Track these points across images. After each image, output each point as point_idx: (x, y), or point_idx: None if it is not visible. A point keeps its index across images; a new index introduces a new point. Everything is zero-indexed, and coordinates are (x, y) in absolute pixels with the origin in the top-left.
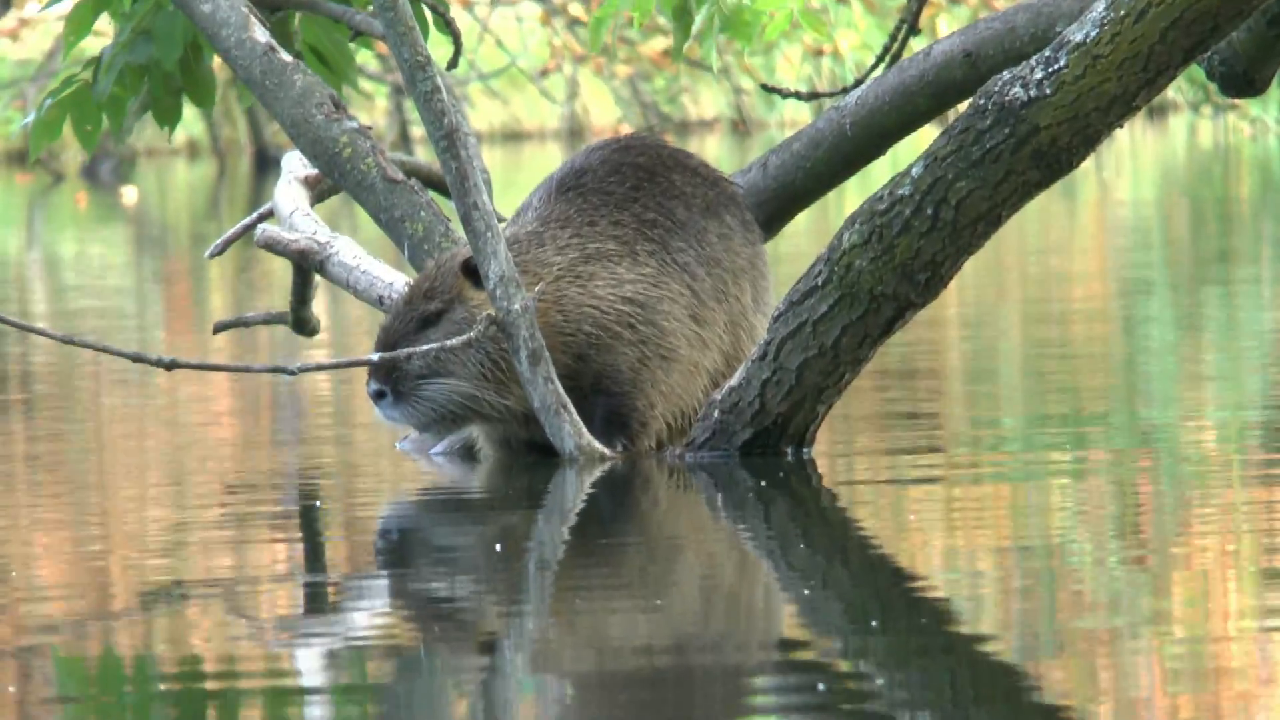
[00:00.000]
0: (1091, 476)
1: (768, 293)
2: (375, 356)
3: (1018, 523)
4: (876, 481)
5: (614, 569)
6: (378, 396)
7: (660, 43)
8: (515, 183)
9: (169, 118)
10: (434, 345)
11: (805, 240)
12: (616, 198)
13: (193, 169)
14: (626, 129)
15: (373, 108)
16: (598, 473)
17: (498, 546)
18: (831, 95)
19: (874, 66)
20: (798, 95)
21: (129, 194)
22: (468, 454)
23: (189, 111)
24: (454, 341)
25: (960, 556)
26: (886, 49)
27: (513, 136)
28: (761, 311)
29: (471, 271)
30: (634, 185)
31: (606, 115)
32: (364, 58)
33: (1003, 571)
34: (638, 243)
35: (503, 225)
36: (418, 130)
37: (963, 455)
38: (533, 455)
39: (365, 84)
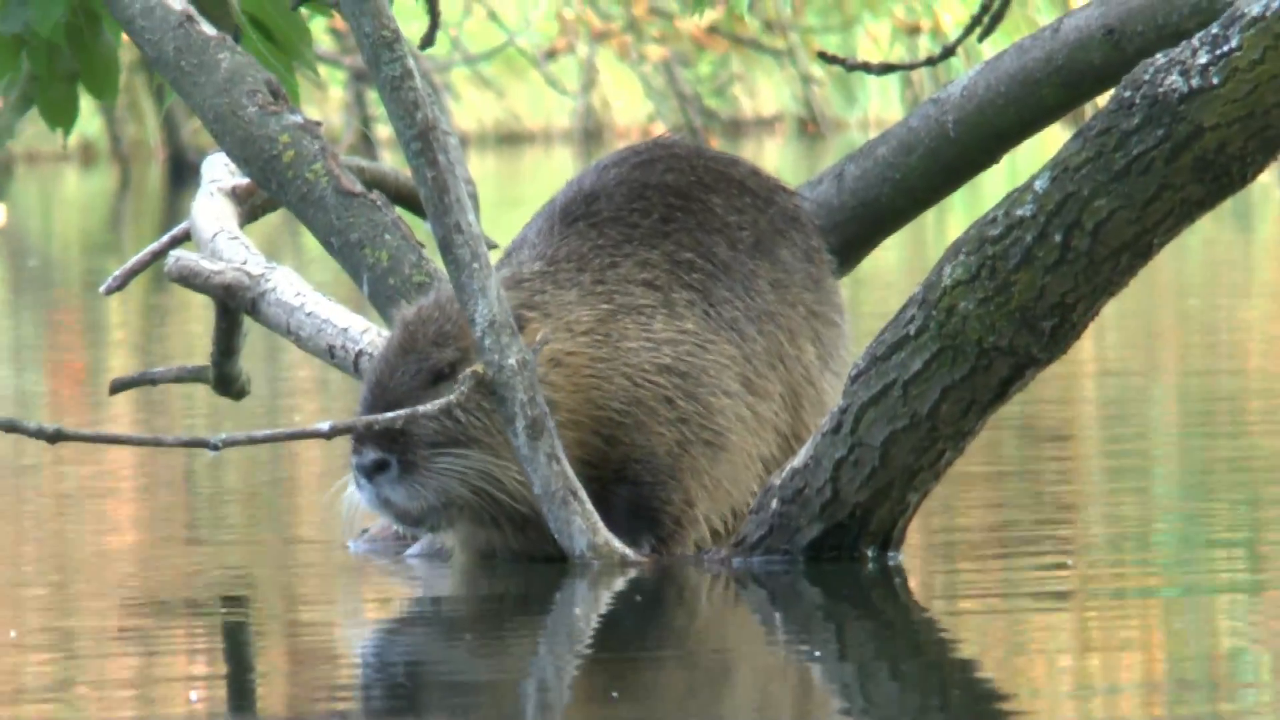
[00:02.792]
0: (1271, 593)
1: (840, 345)
2: (326, 426)
3: (1171, 653)
4: (986, 596)
5: (637, 711)
6: (377, 469)
7: (705, 16)
8: (513, 198)
9: (60, 114)
10: (396, 414)
11: (894, 275)
12: (642, 231)
13: (87, 178)
14: (659, 129)
15: (325, 99)
16: (618, 582)
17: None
18: (912, 68)
19: (967, 33)
20: (865, 67)
21: None
22: (450, 557)
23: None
24: (429, 406)
25: (1095, 697)
26: (985, 8)
27: (510, 138)
28: (832, 370)
29: None
30: (663, 215)
31: (633, 111)
32: (314, 32)
33: (1147, 715)
34: (673, 290)
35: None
36: (384, 129)
37: (1101, 565)
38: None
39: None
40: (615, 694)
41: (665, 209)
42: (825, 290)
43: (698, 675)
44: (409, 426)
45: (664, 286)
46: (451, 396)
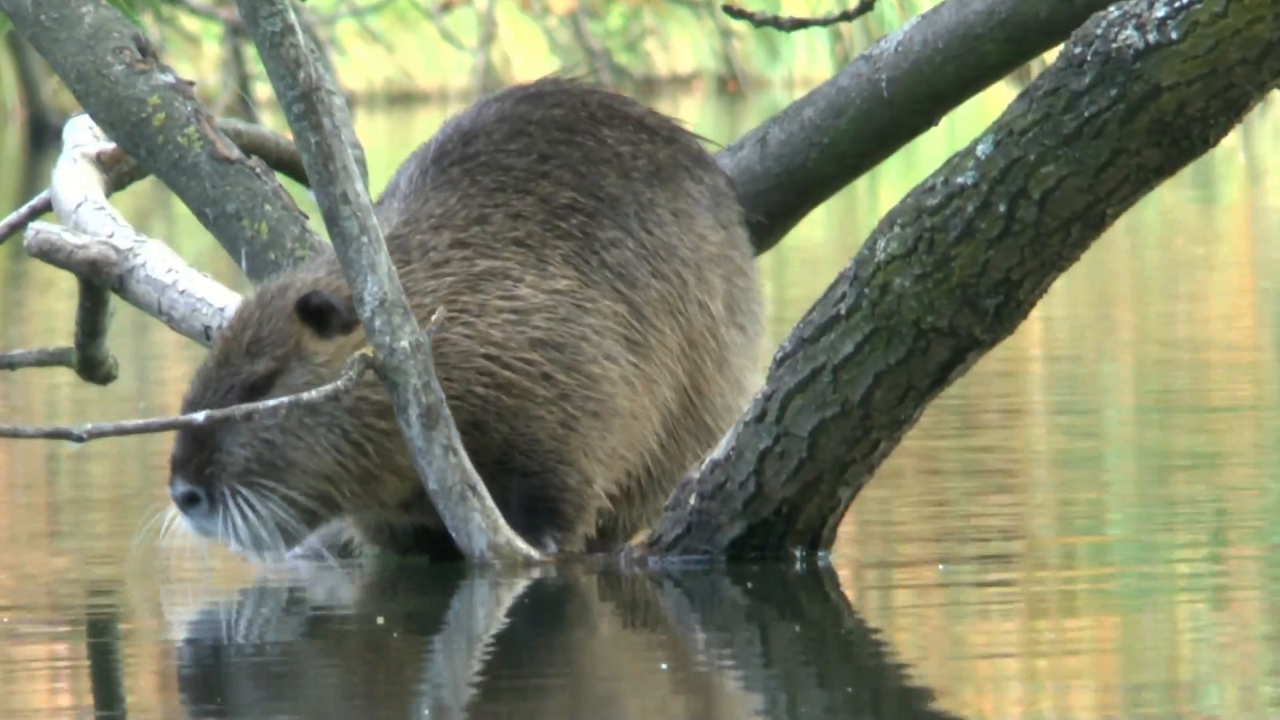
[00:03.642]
0: (1232, 591)
1: (752, 301)
2: (202, 416)
3: (1127, 659)
4: (923, 605)
5: None
6: (188, 502)
7: None
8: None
9: None
10: (278, 401)
11: (823, 249)
12: (517, 174)
13: None
14: None
15: (199, 56)
16: (521, 585)
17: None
18: (828, 23)
19: None
20: (775, 22)
21: None
22: (342, 552)
23: None
24: (315, 394)
25: (1043, 708)
26: None
27: (402, 98)
28: (737, 324)
29: (313, 312)
30: (544, 152)
31: (536, 68)
32: None
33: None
34: (546, 245)
35: None
36: (264, 89)
37: (1047, 563)
38: (426, 552)
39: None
40: None
41: (547, 144)
42: (735, 237)
43: (601, 697)
44: (217, 455)
45: (536, 242)
46: (339, 383)
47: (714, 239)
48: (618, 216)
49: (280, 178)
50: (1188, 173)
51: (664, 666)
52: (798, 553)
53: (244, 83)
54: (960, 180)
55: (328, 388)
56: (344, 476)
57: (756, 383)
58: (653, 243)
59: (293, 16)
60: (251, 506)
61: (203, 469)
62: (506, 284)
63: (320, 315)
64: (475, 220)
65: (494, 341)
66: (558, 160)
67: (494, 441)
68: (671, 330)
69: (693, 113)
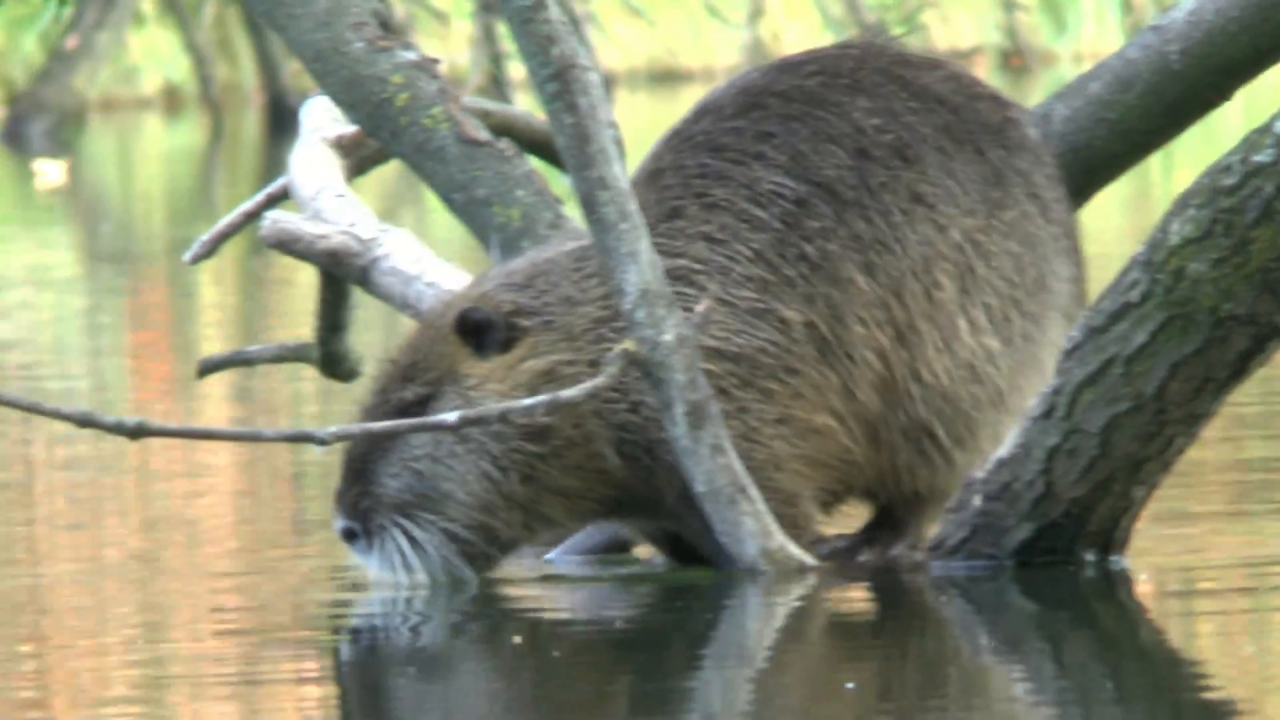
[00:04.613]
0: None
1: (1027, 275)
2: (454, 417)
3: None
4: (1226, 612)
5: None
6: (348, 537)
7: None
8: None
9: None
10: (534, 401)
11: (1111, 234)
12: (728, 155)
13: (173, 128)
14: None
15: (447, 34)
16: (795, 593)
17: None
18: None
19: None
20: None
21: (48, 172)
22: (620, 548)
23: (168, 44)
24: (574, 392)
25: None
26: None
27: (665, 77)
28: (984, 306)
29: (472, 329)
30: (766, 129)
31: (808, 44)
32: None
33: None
34: (740, 236)
35: None
36: (516, 68)
37: None
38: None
39: None
40: None
41: (777, 120)
42: (1021, 212)
43: (895, 705)
44: (370, 488)
45: (728, 236)
46: (599, 379)
47: (966, 224)
48: (832, 203)
49: (533, 161)
50: None
51: (951, 678)
52: (1089, 556)
53: (496, 61)
54: (1258, 159)
55: (587, 385)
56: (498, 505)
57: (1016, 359)
58: (870, 232)
59: None
60: (410, 539)
61: (358, 503)
62: (684, 288)
63: (479, 332)
64: (668, 215)
65: None
66: (778, 139)
67: (668, 469)
68: (877, 327)
69: None
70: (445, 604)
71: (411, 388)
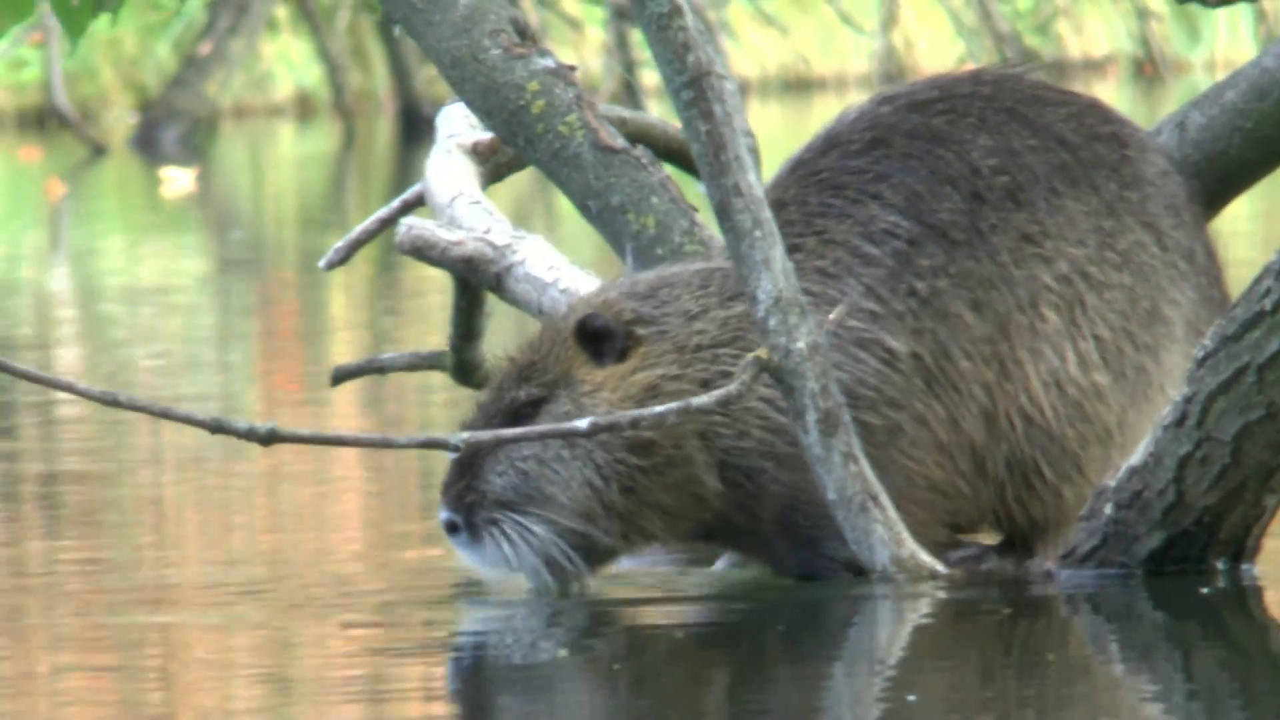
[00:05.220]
0: None
1: (1140, 308)
2: (586, 424)
3: None
4: None
5: None
6: (450, 530)
7: None
8: None
9: (72, 22)
10: (666, 408)
11: (1246, 241)
12: (849, 194)
13: (305, 135)
14: None
15: (581, 40)
16: (924, 603)
17: None
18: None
19: None
20: None
21: (177, 179)
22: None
23: (301, 52)
24: (706, 398)
25: None
26: None
27: (798, 85)
28: (1095, 339)
29: (591, 336)
30: (884, 170)
31: (941, 52)
32: None
33: None
34: (852, 271)
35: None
36: (651, 76)
37: None
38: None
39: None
40: None
41: (899, 159)
42: (1118, 245)
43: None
44: (476, 483)
45: (840, 270)
46: (731, 387)
47: (1075, 254)
48: (943, 243)
49: (668, 168)
50: None
51: (1080, 688)
52: (1220, 565)
53: (630, 69)
54: None
55: (719, 392)
56: (598, 514)
57: (1127, 394)
58: (979, 271)
59: None
60: (508, 537)
61: (464, 497)
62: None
63: (598, 339)
64: (788, 251)
65: (768, 383)
66: (895, 180)
67: (771, 497)
68: (983, 362)
69: (1107, 98)
70: (568, 617)
71: (526, 388)
